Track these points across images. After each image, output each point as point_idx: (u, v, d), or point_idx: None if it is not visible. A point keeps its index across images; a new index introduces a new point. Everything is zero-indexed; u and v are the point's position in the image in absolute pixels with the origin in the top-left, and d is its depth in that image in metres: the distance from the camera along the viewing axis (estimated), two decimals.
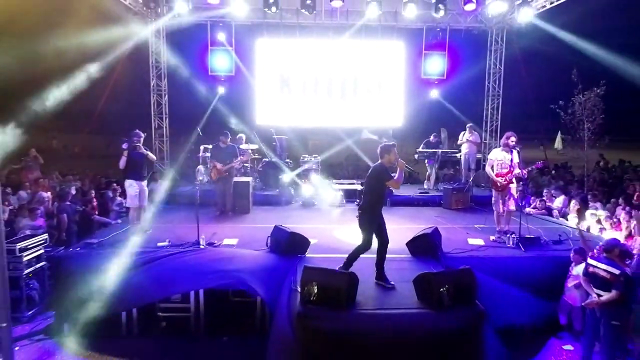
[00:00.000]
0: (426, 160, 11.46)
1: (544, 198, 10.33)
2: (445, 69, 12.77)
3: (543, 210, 9.63)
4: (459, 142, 11.72)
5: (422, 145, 11.63)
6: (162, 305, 6.42)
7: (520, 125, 12.98)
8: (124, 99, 14.40)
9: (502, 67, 13.04)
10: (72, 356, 5.83)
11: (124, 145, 7.10)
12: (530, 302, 6.23)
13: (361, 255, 5.29)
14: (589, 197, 9.86)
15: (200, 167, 11.94)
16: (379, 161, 5.39)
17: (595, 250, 5.92)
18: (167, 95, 12.96)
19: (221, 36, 12.45)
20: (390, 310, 4.52)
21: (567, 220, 8.92)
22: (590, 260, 5.44)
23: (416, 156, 11.60)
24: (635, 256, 6.02)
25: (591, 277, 5.35)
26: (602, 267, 5.23)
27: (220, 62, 12.58)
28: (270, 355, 4.84)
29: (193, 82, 12.88)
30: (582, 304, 5.48)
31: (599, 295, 5.20)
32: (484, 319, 4.60)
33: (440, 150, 11.12)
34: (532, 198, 10.17)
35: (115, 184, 11.23)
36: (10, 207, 8.52)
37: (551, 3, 10.60)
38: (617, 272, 5.09)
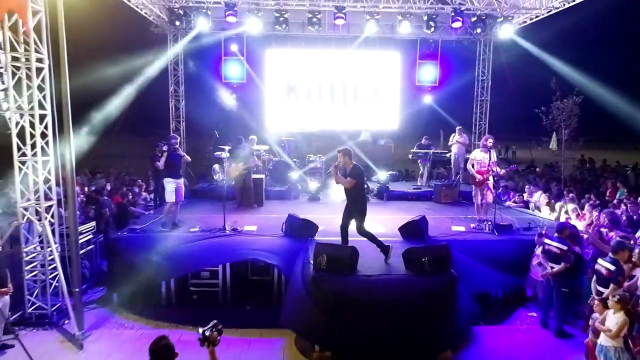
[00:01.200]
0: (419, 160, 12.72)
1: (525, 193, 11.61)
2: (438, 77, 14.06)
3: (521, 204, 10.89)
4: (449, 143, 12.96)
5: (415, 147, 12.89)
6: (193, 281, 7.66)
7: (505, 128, 14.29)
8: (145, 103, 15.70)
9: (489, 75, 14.33)
10: (121, 320, 7.07)
11: (165, 148, 8.20)
12: (501, 278, 7.49)
13: (358, 237, 6.56)
14: (565, 192, 11.13)
15: (216, 166, 13.19)
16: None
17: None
18: (184, 100, 14.24)
19: (234, 47, 13.73)
20: (383, 275, 5.80)
21: (540, 212, 10.16)
22: (546, 240, 6.72)
23: (410, 156, 12.86)
24: (591, 249, 7.19)
25: (547, 253, 6.63)
26: (554, 245, 6.50)
27: (233, 70, 13.85)
28: (285, 312, 6.10)
29: (208, 89, 14.16)
30: (540, 274, 6.75)
31: (552, 268, 6.48)
32: (456, 282, 5.86)
33: (431, 151, 12.37)
34: (512, 193, 11.45)
35: (139, 181, 12.52)
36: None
37: (530, 19, 11.89)
38: (565, 248, 6.36)
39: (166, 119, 14.25)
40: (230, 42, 13.68)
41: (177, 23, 11.40)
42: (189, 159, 8.77)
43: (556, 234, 6.60)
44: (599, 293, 5.47)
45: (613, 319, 4.86)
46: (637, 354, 5.22)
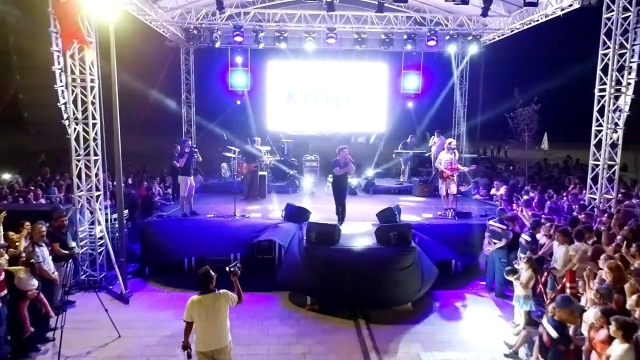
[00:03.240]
0: (401, 159, 14.52)
1: (494, 188, 13.38)
2: (420, 85, 15.82)
3: (487, 197, 12.68)
4: (429, 145, 14.75)
5: (400, 146, 14.65)
6: (210, 259, 9.41)
7: (480, 131, 16.05)
8: (159, 108, 17.54)
9: (466, 84, 16.08)
10: (153, 287, 8.83)
11: (187, 150, 9.85)
12: (460, 254, 9.27)
13: (343, 218, 8.41)
14: (528, 187, 12.93)
15: (224, 165, 14.95)
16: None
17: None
18: (194, 107, 16.00)
19: (239, 59, 15.49)
20: (359, 246, 7.59)
21: (500, 203, 11.91)
22: (490, 222, 8.49)
23: (394, 155, 14.66)
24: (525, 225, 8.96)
25: (491, 232, 8.40)
26: (496, 225, 8.28)
27: (238, 79, 15.61)
28: (284, 274, 7.86)
29: (216, 96, 15.93)
30: (486, 249, 8.52)
31: (495, 243, 8.24)
32: (416, 252, 7.63)
33: (411, 152, 14.16)
34: (481, 188, 13.23)
35: (158, 179, 14.28)
36: None
37: (498, 37, 13.66)
38: (504, 227, 8.13)
39: (178, 122, 16.02)
40: (236, 55, 15.43)
41: (192, 43, 13.13)
42: (201, 158, 10.41)
43: (498, 217, 8.38)
44: (521, 259, 7.24)
45: (524, 274, 6.63)
46: (548, 305, 7.01)
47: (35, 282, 5.91)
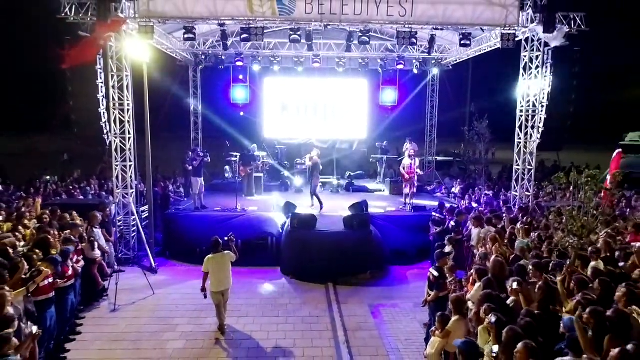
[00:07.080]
0: (377, 162, 17.05)
1: (454, 187, 15.91)
2: (396, 98, 18.31)
3: (446, 194, 15.20)
4: (403, 150, 17.26)
5: (379, 151, 17.16)
6: None
7: (449, 138, 18.51)
8: (169, 117, 20.13)
9: (437, 97, 18.59)
10: (172, 263, 11.33)
11: (201, 154, 12.41)
12: (414, 239, 11.77)
13: (319, 211, 10.91)
14: (484, 186, 15.46)
15: (227, 167, 17.47)
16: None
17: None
18: (201, 117, 18.50)
19: (240, 76, 17.99)
20: (332, 230, 10.13)
21: (455, 199, 14.44)
22: (433, 213, 11.00)
23: (371, 160, 17.19)
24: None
25: (433, 221, 10.90)
26: (436, 215, 10.79)
27: (239, 94, 18.06)
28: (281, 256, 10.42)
29: (219, 108, 18.44)
30: (430, 234, 11.04)
31: (436, 229, 10.74)
32: (372, 234, 10.16)
33: (385, 157, 16.69)
34: (443, 186, 15.77)
35: (172, 180, 16.81)
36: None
37: (458, 59, 16.16)
38: (442, 217, 10.64)
39: (187, 131, 18.54)
40: (237, 73, 17.93)
41: (201, 66, 15.68)
42: (210, 160, 12.96)
43: (438, 209, 10.89)
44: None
45: (447, 249, 9.13)
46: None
47: (98, 253, 8.44)
